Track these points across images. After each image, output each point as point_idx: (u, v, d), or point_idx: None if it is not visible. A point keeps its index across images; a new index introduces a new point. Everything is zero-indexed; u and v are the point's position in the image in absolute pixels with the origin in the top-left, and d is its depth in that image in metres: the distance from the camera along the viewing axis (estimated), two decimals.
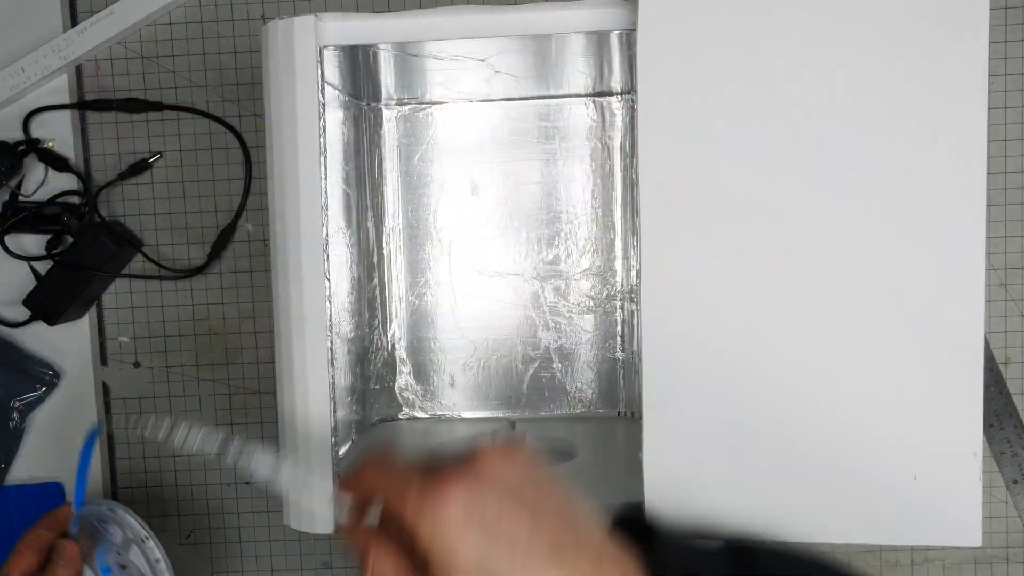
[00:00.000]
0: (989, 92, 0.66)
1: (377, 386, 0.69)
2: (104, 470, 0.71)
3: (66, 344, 0.70)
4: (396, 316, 0.70)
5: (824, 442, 0.45)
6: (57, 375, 0.70)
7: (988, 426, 0.67)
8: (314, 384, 0.50)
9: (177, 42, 0.69)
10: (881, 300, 0.44)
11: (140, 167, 0.69)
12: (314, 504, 0.45)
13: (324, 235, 0.49)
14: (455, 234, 0.69)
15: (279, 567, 0.72)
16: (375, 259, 0.68)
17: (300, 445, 0.50)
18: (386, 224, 0.69)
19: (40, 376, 0.70)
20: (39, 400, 0.70)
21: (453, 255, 0.69)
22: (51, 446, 0.71)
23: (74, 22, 0.69)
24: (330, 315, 0.50)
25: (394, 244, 0.69)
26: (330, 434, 0.50)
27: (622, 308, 0.68)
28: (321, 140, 0.49)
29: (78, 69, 0.70)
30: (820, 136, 0.43)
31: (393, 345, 0.70)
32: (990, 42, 0.66)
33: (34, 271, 0.68)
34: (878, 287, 0.44)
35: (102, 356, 0.71)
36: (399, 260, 0.70)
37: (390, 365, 0.70)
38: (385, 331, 0.69)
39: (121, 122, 0.70)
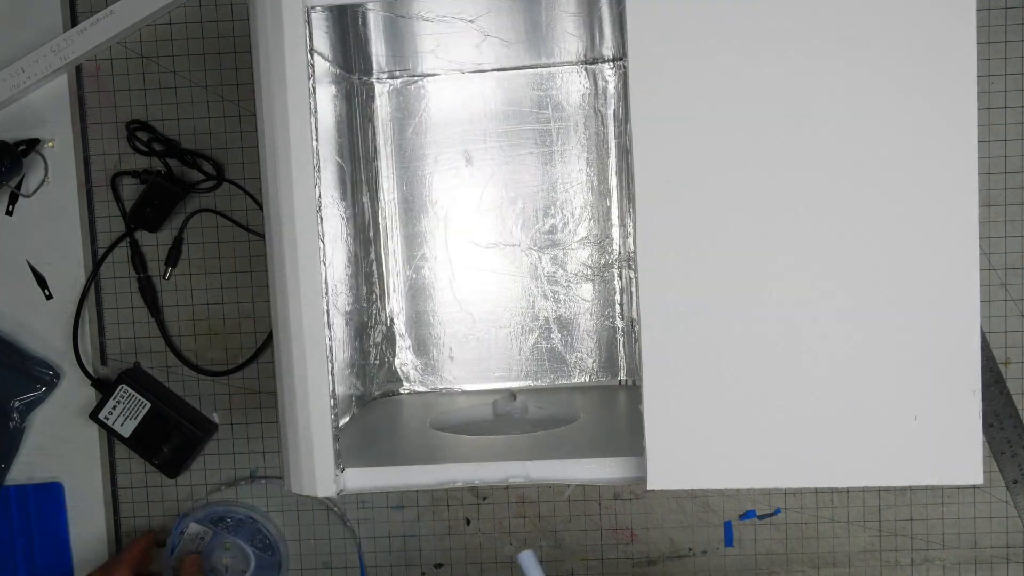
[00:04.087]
0: (989, 92, 0.67)
1: (377, 361, 0.69)
2: (104, 470, 0.71)
3: (66, 344, 0.70)
4: (394, 290, 0.70)
5: (825, 389, 0.45)
6: (57, 375, 0.70)
7: (988, 426, 0.68)
8: (311, 346, 0.49)
9: (177, 42, 0.69)
10: (879, 261, 0.44)
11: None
12: (315, 469, 0.49)
13: (316, 196, 0.48)
14: (451, 206, 0.69)
15: None
16: (371, 233, 0.68)
17: (300, 411, 0.50)
18: (381, 199, 0.69)
19: (40, 376, 0.70)
20: (39, 400, 0.70)
21: (449, 228, 0.69)
22: (51, 446, 0.71)
23: (74, 22, 0.69)
24: (325, 278, 0.49)
25: (390, 218, 0.69)
26: (329, 397, 0.49)
27: (620, 276, 0.68)
28: (311, 100, 0.48)
29: (78, 69, 0.70)
30: (816, 109, 0.44)
31: (392, 319, 0.70)
32: (990, 43, 0.67)
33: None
34: (875, 247, 0.44)
35: (102, 356, 0.71)
36: (395, 234, 0.69)
37: (389, 339, 0.70)
38: (383, 306, 0.69)
39: (121, 122, 0.70)
